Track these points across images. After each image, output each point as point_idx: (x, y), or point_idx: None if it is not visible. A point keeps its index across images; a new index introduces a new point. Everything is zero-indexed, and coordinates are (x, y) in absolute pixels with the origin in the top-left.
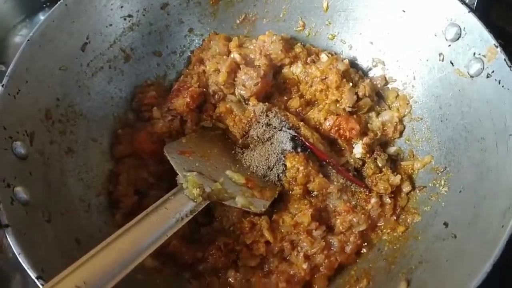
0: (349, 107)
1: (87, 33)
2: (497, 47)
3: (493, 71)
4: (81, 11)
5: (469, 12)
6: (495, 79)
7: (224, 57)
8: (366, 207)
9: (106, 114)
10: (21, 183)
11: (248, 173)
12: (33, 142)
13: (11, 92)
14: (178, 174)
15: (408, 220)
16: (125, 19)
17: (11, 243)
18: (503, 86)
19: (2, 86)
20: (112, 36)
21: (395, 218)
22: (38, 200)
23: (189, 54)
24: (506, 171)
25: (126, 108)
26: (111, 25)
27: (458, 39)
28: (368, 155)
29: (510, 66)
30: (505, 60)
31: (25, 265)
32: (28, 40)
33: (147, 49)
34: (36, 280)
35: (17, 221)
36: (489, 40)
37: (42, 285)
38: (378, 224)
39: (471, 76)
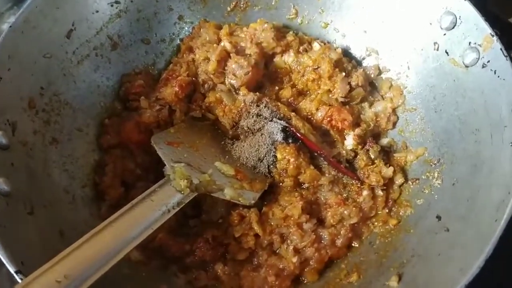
0: (341, 97)
1: (72, 19)
2: (493, 36)
3: (488, 61)
4: None
5: (464, 0)
6: (491, 69)
7: (214, 45)
8: (358, 200)
9: (92, 103)
10: (2, 174)
11: (238, 165)
12: (15, 132)
13: None
14: (165, 165)
15: (400, 213)
16: (112, 6)
17: None
18: (498, 76)
19: None
20: (98, 23)
21: (387, 211)
22: (20, 192)
23: (178, 42)
24: (501, 163)
25: (113, 97)
26: (97, 11)
27: (453, 27)
28: (360, 147)
29: (506, 56)
30: (501, 49)
31: (4, 259)
32: (11, 26)
33: (135, 36)
34: (15, 275)
35: None
36: (485, 29)
37: (22, 279)
38: (370, 217)
39: (466, 66)
